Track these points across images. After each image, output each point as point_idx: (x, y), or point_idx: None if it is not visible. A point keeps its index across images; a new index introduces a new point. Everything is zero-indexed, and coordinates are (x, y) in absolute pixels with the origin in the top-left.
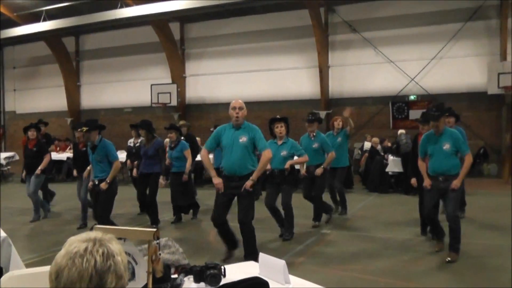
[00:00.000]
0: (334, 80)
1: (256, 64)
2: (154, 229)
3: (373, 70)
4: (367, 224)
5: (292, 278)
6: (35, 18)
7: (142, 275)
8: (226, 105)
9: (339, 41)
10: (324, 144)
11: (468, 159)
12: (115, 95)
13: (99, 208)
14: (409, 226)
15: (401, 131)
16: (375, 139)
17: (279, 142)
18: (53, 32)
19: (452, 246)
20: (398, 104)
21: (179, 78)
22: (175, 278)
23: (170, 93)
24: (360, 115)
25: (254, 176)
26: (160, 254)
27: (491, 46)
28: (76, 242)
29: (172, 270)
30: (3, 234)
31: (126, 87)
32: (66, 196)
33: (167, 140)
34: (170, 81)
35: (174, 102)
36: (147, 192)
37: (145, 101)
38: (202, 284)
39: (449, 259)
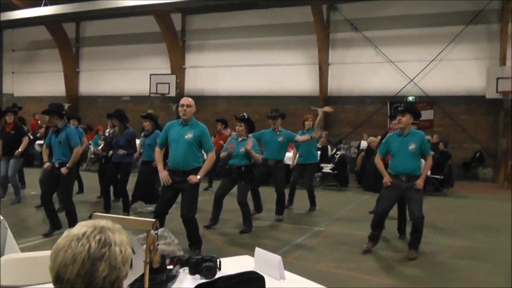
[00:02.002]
0: (333, 77)
1: (256, 59)
2: (154, 219)
3: (372, 70)
4: (361, 223)
5: (287, 273)
6: (36, 2)
7: (139, 265)
8: (225, 98)
9: (340, 39)
10: (290, 138)
11: (430, 159)
12: (113, 83)
13: (61, 193)
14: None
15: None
16: (372, 138)
17: (239, 139)
18: (54, 17)
19: (413, 245)
20: (396, 104)
21: (178, 69)
22: (171, 269)
23: (169, 83)
24: (358, 114)
25: (200, 174)
26: (158, 244)
27: (491, 50)
28: (79, 226)
29: (167, 261)
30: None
31: (125, 75)
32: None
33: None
34: (169, 71)
35: (172, 93)
36: (115, 180)
37: (144, 90)
38: (197, 276)
39: (411, 256)
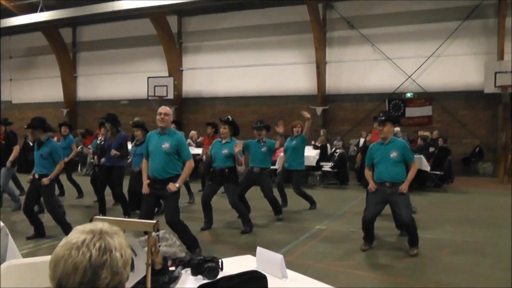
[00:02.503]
0: (331, 76)
1: (254, 59)
2: (154, 221)
3: (370, 67)
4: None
5: (290, 272)
6: (32, 8)
7: (141, 267)
8: (223, 99)
9: (336, 37)
10: (271, 145)
11: (414, 167)
12: (111, 87)
13: (45, 205)
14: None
15: (396, 128)
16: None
17: (223, 141)
18: (50, 23)
19: (412, 243)
20: (395, 101)
21: (176, 71)
22: (173, 271)
23: (166, 86)
24: (357, 111)
25: (179, 182)
26: (159, 246)
27: (489, 45)
28: (77, 233)
29: (169, 262)
30: (1, 223)
31: (123, 79)
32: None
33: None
34: (167, 74)
35: (170, 95)
36: (108, 185)
37: (142, 93)
38: (200, 277)
39: (412, 253)
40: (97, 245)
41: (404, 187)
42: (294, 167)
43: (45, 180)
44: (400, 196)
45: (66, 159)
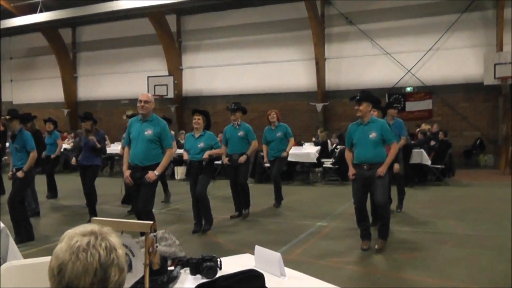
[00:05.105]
0: (331, 72)
1: (253, 57)
2: (151, 222)
3: (369, 62)
4: None
5: (288, 270)
6: (32, 9)
7: (139, 267)
8: (223, 97)
9: (335, 33)
10: (248, 133)
11: (394, 148)
12: (111, 87)
13: (12, 196)
14: (403, 219)
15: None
16: None
17: (196, 135)
18: (50, 24)
19: (381, 233)
20: (395, 96)
21: (176, 70)
22: (172, 270)
23: (166, 85)
24: None
25: (158, 170)
26: (157, 246)
27: (488, 37)
28: (76, 236)
29: (169, 262)
30: (2, 225)
31: (123, 79)
32: (63, 188)
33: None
34: (166, 73)
35: (171, 94)
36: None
37: (142, 93)
38: (199, 276)
39: (377, 247)
40: (103, 245)
41: (381, 170)
42: (277, 155)
43: (19, 174)
44: (379, 180)
45: (53, 156)
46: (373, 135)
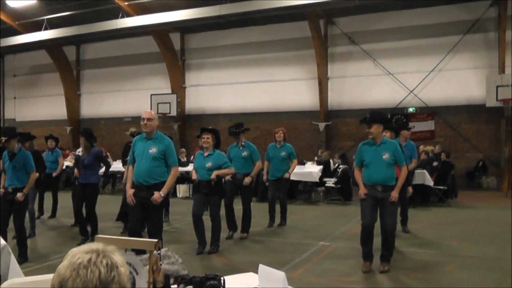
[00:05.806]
0: (333, 91)
1: (256, 75)
2: (156, 240)
3: (372, 82)
4: None
5: None
6: (36, 26)
7: (143, 285)
8: (226, 115)
9: (338, 53)
10: (253, 153)
11: (404, 170)
12: (115, 104)
13: (14, 218)
14: (406, 238)
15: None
16: None
17: (205, 154)
18: (54, 41)
19: (385, 257)
20: (397, 116)
21: (179, 88)
22: None
23: (170, 103)
24: (360, 127)
25: (164, 190)
26: (161, 264)
27: (490, 58)
28: (79, 253)
29: (172, 280)
30: (3, 242)
31: (126, 96)
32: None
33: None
34: (170, 91)
35: (173, 112)
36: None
37: (145, 110)
38: None
39: (382, 269)
40: (104, 262)
41: (394, 195)
42: (278, 175)
43: (19, 196)
44: (390, 203)
45: (54, 174)
46: (386, 156)
